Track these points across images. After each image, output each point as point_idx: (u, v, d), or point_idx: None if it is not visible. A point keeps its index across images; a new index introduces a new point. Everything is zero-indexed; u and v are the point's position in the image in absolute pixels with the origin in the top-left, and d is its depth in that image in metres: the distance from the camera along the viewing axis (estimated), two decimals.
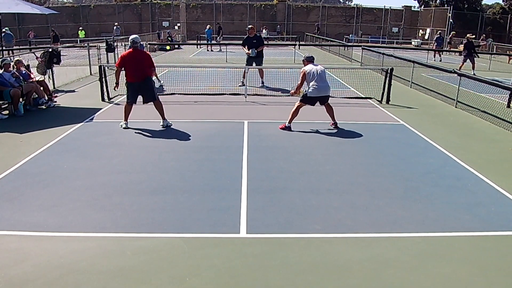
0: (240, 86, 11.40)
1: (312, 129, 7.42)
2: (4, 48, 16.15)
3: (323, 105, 7.49)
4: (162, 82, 11.96)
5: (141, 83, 7.25)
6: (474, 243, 3.79)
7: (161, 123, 7.43)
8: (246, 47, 11.66)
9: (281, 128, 7.37)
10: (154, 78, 11.84)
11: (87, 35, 31.18)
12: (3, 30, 22.76)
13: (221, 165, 5.63)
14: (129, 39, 7.38)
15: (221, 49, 22.61)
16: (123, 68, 7.22)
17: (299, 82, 7.49)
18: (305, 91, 7.34)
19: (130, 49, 7.30)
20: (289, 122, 7.37)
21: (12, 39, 22.59)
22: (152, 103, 7.43)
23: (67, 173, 5.27)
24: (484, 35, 30.24)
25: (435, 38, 24.03)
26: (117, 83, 7.42)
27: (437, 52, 21.87)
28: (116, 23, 31.73)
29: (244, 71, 10.96)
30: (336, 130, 7.43)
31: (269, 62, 13.14)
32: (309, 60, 7.57)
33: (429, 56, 20.96)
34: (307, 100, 7.31)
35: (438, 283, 3.20)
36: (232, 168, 5.50)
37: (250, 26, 12.08)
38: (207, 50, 25.49)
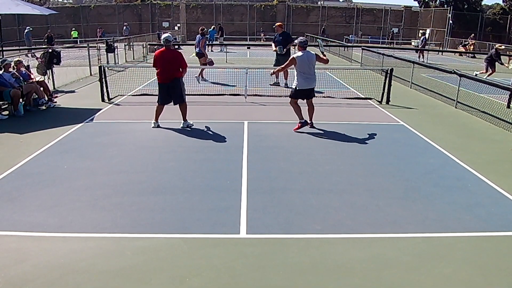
0: (271, 84, 11.54)
1: (312, 129, 7.42)
2: (26, 47, 16.08)
3: (307, 101, 7.32)
4: (207, 79, 12.40)
5: (169, 84, 7.16)
6: (474, 244, 3.79)
7: (181, 124, 7.39)
8: (274, 44, 11.62)
9: (296, 130, 7.22)
10: (199, 76, 12.06)
11: (87, 35, 31.25)
12: (26, 28, 23.14)
13: (221, 165, 5.63)
14: (161, 38, 7.21)
15: (222, 49, 22.63)
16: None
17: (282, 66, 7.53)
18: (292, 84, 7.26)
19: (163, 48, 7.19)
20: (300, 118, 7.27)
21: (30, 37, 22.83)
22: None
23: (67, 173, 5.27)
24: (473, 34, 29.98)
25: (421, 39, 23.75)
26: None
27: (421, 52, 21.64)
28: (126, 23, 32.14)
29: (273, 71, 10.46)
30: (335, 131, 7.41)
31: (269, 62, 13.13)
32: (302, 45, 7.00)
33: (430, 57, 20.92)
34: (297, 94, 7.20)
35: (438, 283, 3.20)
36: (232, 168, 5.49)
37: (277, 24, 11.88)
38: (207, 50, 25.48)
